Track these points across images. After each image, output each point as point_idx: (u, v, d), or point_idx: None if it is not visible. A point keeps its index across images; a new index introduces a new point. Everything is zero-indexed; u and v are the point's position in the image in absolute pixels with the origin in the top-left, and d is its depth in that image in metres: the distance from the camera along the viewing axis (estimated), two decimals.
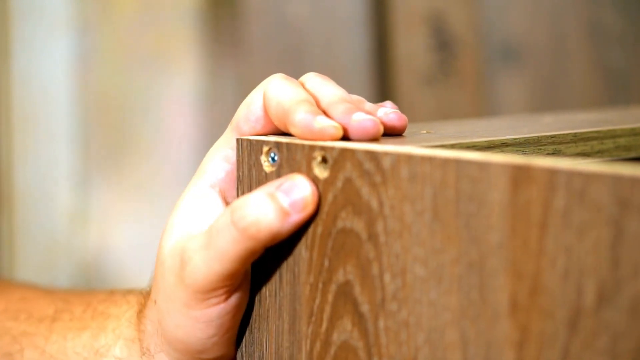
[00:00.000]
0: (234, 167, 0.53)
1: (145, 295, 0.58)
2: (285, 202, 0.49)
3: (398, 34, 1.15)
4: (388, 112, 0.52)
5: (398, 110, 0.53)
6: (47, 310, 0.62)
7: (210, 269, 0.50)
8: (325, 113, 0.50)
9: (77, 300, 0.62)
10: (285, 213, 0.49)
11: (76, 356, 0.58)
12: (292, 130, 0.50)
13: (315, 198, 0.49)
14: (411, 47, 1.15)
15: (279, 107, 0.51)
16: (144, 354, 0.56)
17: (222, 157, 0.54)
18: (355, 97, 0.54)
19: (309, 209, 0.49)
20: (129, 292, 0.61)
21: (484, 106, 1.20)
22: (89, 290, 0.67)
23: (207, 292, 0.51)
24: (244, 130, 0.53)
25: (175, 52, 1.07)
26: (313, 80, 0.54)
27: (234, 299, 0.52)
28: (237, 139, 0.52)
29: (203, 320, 0.52)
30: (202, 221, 0.53)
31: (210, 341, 0.53)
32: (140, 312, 0.57)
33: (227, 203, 0.53)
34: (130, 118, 1.06)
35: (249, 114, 0.53)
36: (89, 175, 1.04)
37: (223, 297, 0.51)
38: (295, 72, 0.55)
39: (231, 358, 0.55)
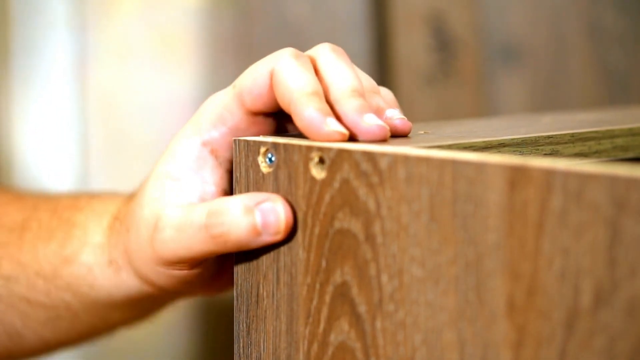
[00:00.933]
0: (229, 130, 0.53)
1: (117, 207, 0.59)
2: (259, 221, 0.50)
3: (398, 34, 1.15)
4: (395, 116, 0.52)
5: (404, 117, 0.52)
6: (16, 217, 0.64)
7: (176, 250, 0.52)
8: (333, 106, 0.50)
9: (44, 206, 0.64)
10: (256, 232, 0.50)
11: (48, 265, 0.60)
12: (297, 123, 0.49)
13: (289, 226, 0.50)
14: (411, 47, 1.15)
15: (286, 93, 0.50)
16: (111, 264, 0.58)
17: (218, 116, 0.53)
18: (365, 79, 0.53)
19: (280, 235, 0.50)
20: (94, 197, 0.62)
21: (484, 106, 1.19)
22: (57, 194, 0.68)
23: (171, 263, 0.53)
24: (245, 101, 0.52)
25: (175, 52, 1.07)
26: (326, 57, 0.52)
27: (200, 266, 0.54)
28: (234, 140, 0.52)
29: (167, 275, 0.54)
30: (188, 183, 0.53)
31: (175, 286, 0.55)
32: (111, 227, 0.58)
33: (218, 164, 0.53)
34: (131, 117, 1.06)
35: (254, 87, 0.52)
36: (90, 175, 1.04)
37: (187, 266, 0.54)
38: None
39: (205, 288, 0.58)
